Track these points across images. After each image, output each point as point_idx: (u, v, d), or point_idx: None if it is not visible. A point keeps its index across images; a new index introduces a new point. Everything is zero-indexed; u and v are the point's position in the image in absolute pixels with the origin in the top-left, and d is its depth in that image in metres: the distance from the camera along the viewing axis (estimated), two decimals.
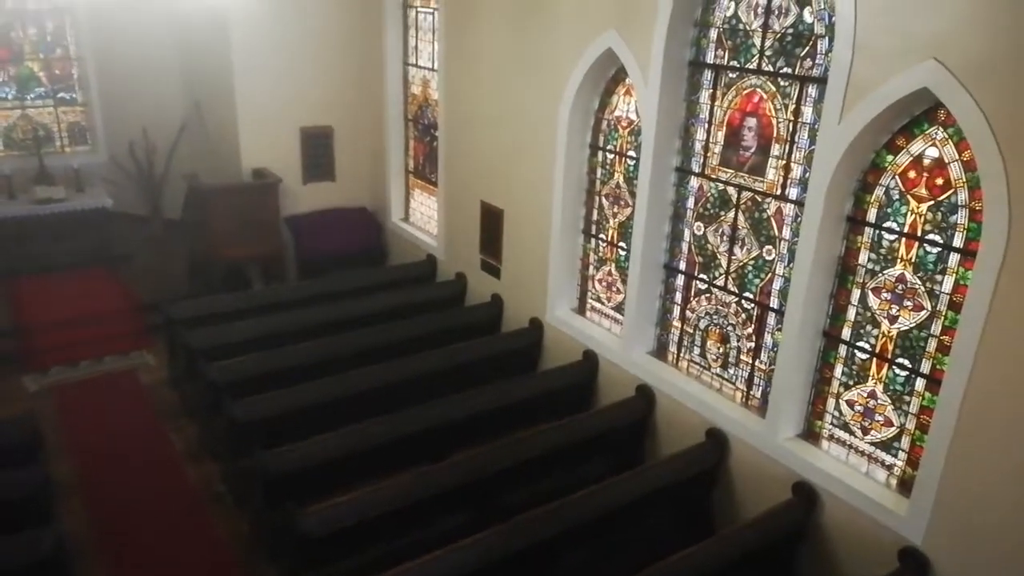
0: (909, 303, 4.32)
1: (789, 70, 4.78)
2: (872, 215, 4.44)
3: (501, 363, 6.81)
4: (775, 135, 4.93)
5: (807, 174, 4.68)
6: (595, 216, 6.54)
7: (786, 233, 4.98)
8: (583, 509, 4.66)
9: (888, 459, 4.57)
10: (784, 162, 4.90)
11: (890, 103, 4.02)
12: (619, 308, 6.39)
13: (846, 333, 4.70)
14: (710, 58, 5.29)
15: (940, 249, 4.14)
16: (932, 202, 4.15)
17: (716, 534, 4.72)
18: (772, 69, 4.88)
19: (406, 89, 8.98)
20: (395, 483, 4.82)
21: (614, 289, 6.48)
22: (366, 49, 9.08)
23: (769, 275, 5.14)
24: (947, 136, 4.02)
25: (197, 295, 8.07)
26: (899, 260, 4.34)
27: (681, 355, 5.93)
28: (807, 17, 4.63)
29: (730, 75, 5.18)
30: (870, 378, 4.61)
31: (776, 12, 4.79)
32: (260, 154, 8.91)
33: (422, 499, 4.79)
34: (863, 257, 4.52)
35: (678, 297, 5.89)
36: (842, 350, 4.74)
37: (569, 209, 6.53)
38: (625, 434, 5.88)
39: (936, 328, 4.21)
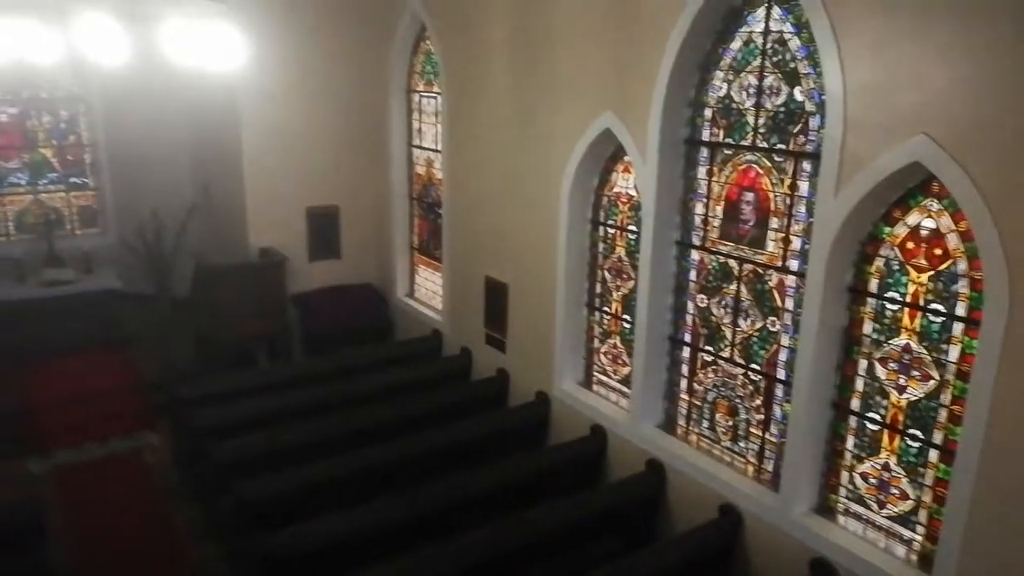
0: (917, 373, 4.31)
1: (783, 146, 4.91)
2: (874, 285, 4.49)
3: (508, 438, 6.75)
4: (773, 208, 5.03)
5: (807, 246, 4.74)
6: (598, 289, 6.60)
7: (789, 304, 5.01)
8: None
9: (906, 534, 4.47)
10: (783, 235, 4.98)
11: (884, 177, 4.11)
12: (626, 381, 6.37)
13: (855, 404, 4.67)
14: (706, 136, 5.44)
15: (944, 318, 4.16)
16: (932, 272, 4.19)
17: None
18: (767, 145, 5.02)
19: (410, 169, 9.20)
20: (402, 567, 4.72)
21: (620, 362, 6.48)
22: (371, 131, 9.35)
23: (775, 346, 5.15)
24: (942, 207, 4.10)
25: (203, 374, 8.07)
26: (904, 330, 4.36)
27: (690, 428, 5.88)
28: (798, 96, 4.79)
29: (726, 152, 5.31)
30: (883, 450, 4.56)
31: (768, 92, 4.96)
32: (267, 233, 9.06)
33: None
34: (868, 327, 4.54)
35: (684, 369, 5.89)
36: (852, 421, 4.70)
37: (573, 283, 6.59)
38: (636, 510, 5.77)
39: (946, 398, 4.19)
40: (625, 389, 6.37)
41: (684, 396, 5.91)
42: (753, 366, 5.32)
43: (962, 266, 4.04)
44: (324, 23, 8.85)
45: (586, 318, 6.72)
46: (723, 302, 5.49)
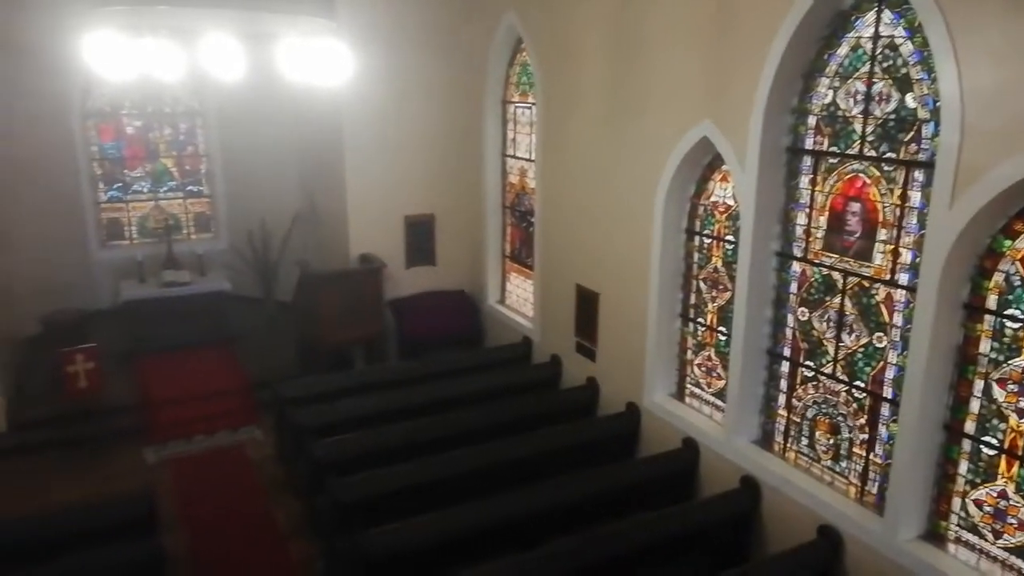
0: None
1: (893, 155, 4.71)
2: (992, 302, 4.23)
3: (597, 448, 6.72)
4: (881, 220, 4.82)
5: (917, 259, 4.53)
6: (693, 300, 6.50)
7: (897, 320, 4.78)
8: None
9: None
10: (892, 247, 4.76)
11: (1004, 187, 3.89)
12: (720, 394, 6.23)
13: (970, 427, 4.41)
14: (809, 144, 5.28)
15: None
16: None
17: None
18: (875, 154, 4.82)
19: (504, 178, 9.34)
20: (491, 570, 4.78)
21: (714, 375, 6.35)
22: (467, 142, 9.55)
23: (881, 363, 4.93)
24: None
25: (304, 374, 8.44)
26: None
27: (788, 445, 5.69)
28: (910, 102, 4.58)
29: (831, 161, 5.14)
30: (999, 476, 4.28)
31: (877, 98, 4.77)
32: (366, 241, 9.39)
33: None
34: (985, 346, 4.28)
35: (783, 384, 5.71)
36: (966, 445, 4.44)
37: (666, 293, 6.52)
38: (728, 528, 5.63)
39: None
40: (719, 403, 6.23)
41: (782, 412, 5.73)
42: (857, 383, 5.10)
43: None
44: (424, 37, 9.12)
45: (679, 329, 6.62)
46: (826, 316, 5.30)
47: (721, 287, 6.19)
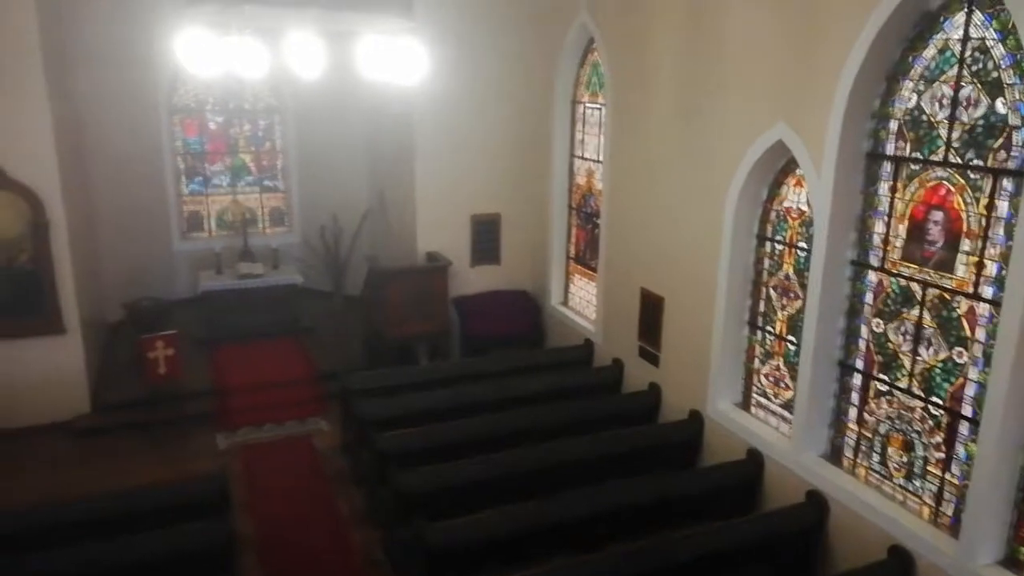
0: None
1: (980, 162, 4.51)
2: None
3: (659, 454, 6.65)
4: (965, 230, 4.62)
5: (1003, 272, 4.32)
6: (762, 307, 6.36)
7: (980, 335, 4.57)
8: None
9: None
10: (977, 258, 4.56)
11: None
12: (787, 405, 6.08)
13: None
14: (890, 150, 5.10)
15: None
16: None
17: None
18: (961, 161, 4.62)
19: (571, 179, 9.33)
20: (554, 569, 4.79)
21: (782, 385, 6.20)
22: (535, 142, 9.58)
23: (960, 380, 4.72)
24: None
25: (370, 367, 8.62)
26: None
27: (858, 461, 5.51)
28: (1000, 108, 4.37)
29: (913, 167, 4.95)
30: None
31: (964, 103, 4.57)
32: (434, 238, 9.53)
33: None
34: None
35: (855, 398, 5.53)
36: None
37: (734, 299, 6.39)
38: (792, 543, 5.49)
39: None
40: (787, 414, 6.08)
41: (853, 426, 5.56)
42: (934, 399, 4.90)
43: None
44: (497, 37, 9.19)
45: (747, 337, 6.49)
46: (902, 328, 5.11)
47: (792, 295, 6.04)
